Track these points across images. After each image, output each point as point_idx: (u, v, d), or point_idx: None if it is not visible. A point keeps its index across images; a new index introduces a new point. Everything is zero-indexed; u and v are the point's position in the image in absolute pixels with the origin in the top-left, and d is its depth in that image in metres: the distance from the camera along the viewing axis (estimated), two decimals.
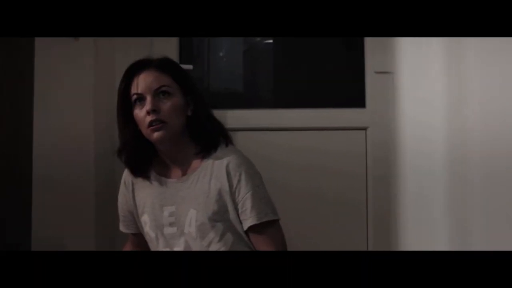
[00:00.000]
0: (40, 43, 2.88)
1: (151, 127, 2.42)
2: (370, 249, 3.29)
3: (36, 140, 2.90)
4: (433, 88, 2.83)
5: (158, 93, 2.43)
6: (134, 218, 2.64)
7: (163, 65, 2.48)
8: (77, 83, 3.05)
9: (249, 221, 2.44)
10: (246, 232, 2.47)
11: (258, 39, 3.60)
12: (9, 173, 2.62)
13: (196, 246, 2.46)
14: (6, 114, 2.55)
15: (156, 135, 2.42)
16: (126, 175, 2.63)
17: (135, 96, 2.46)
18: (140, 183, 2.58)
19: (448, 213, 2.79)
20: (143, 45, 3.18)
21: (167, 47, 3.14)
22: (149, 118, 2.41)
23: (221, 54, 3.64)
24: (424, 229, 2.83)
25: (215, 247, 2.45)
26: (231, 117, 3.14)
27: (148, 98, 2.42)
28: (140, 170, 2.56)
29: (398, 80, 3.15)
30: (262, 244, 2.47)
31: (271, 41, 3.58)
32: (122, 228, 2.71)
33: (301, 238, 2.98)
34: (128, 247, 2.77)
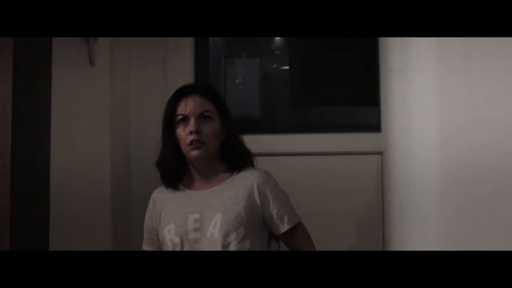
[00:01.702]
0: (57, 46, 2.95)
1: (191, 145, 2.70)
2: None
3: (54, 142, 2.95)
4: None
5: (201, 117, 2.71)
6: (157, 235, 2.81)
7: (206, 92, 2.78)
8: (93, 86, 3.11)
9: (286, 225, 2.71)
10: (280, 235, 2.73)
11: (274, 65, 3.67)
12: (28, 174, 2.65)
13: (217, 246, 2.63)
14: (24, 117, 2.60)
15: (194, 153, 2.71)
16: (156, 195, 2.85)
17: (180, 116, 2.74)
18: (168, 198, 2.80)
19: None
20: (156, 62, 3.29)
21: (181, 73, 3.23)
22: (190, 138, 2.70)
23: (237, 81, 3.71)
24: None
25: (233, 247, 2.63)
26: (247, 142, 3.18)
27: (192, 120, 2.70)
28: (172, 181, 2.81)
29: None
30: (298, 241, 2.75)
31: (287, 67, 3.65)
32: (144, 246, 2.88)
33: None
34: None
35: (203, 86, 2.82)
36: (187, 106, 2.72)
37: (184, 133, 2.72)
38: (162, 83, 3.36)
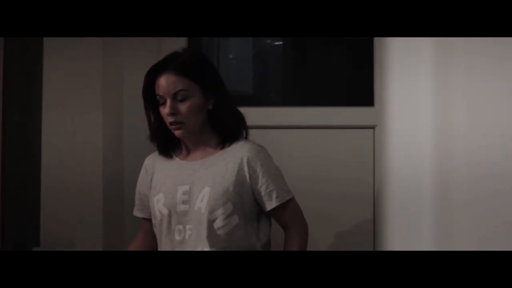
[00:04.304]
0: (49, 44, 2.91)
1: (172, 126, 2.68)
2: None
3: (45, 141, 2.94)
4: (421, 96, 2.79)
5: (176, 96, 2.64)
6: (149, 202, 2.81)
7: (181, 69, 2.66)
8: (85, 85, 3.08)
9: (274, 202, 2.69)
10: (269, 212, 2.72)
11: (268, 40, 3.60)
12: (18, 173, 2.64)
13: (203, 221, 2.64)
14: (15, 114, 2.57)
15: (176, 133, 2.69)
16: (148, 162, 2.85)
17: (158, 96, 2.69)
18: (159, 166, 2.80)
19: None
20: (151, 46, 3.22)
21: (175, 48, 3.14)
22: (169, 119, 2.67)
23: (230, 56, 3.66)
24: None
25: (219, 223, 2.65)
26: None
27: (168, 101, 2.65)
28: (167, 151, 2.81)
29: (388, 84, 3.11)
30: (288, 218, 2.76)
31: (281, 42, 3.58)
32: (136, 212, 2.90)
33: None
34: (140, 235, 2.93)
35: (178, 61, 2.70)
36: (160, 87, 2.66)
37: (164, 113, 2.68)
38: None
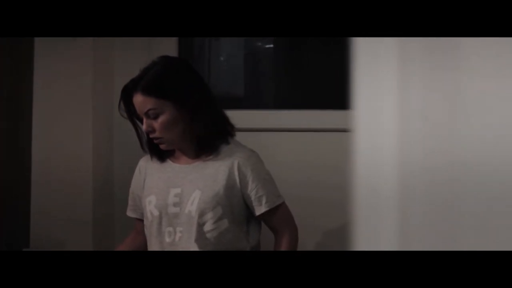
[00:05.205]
0: (39, 44, 2.91)
1: (154, 141, 2.68)
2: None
3: (35, 142, 2.93)
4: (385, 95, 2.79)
5: (148, 115, 2.62)
6: (141, 203, 2.81)
7: (147, 88, 2.62)
8: (75, 85, 3.09)
9: (263, 207, 2.69)
10: (259, 216, 2.72)
11: (259, 43, 3.60)
12: (8, 174, 2.63)
13: (193, 224, 2.65)
14: (5, 115, 2.57)
15: (161, 146, 2.70)
16: (142, 162, 2.85)
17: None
18: (153, 168, 2.80)
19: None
20: (142, 46, 3.22)
21: (166, 51, 3.13)
22: (149, 134, 2.68)
23: (222, 58, 3.66)
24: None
25: (209, 227, 2.66)
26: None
27: (144, 119, 2.65)
28: (159, 156, 2.78)
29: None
30: (277, 223, 2.76)
31: (272, 45, 3.59)
32: (129, 213, 2.90)
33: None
34: (132, 234, 2.92)
35: (144, 80, 2.64)
36: (135, 106, 2.65)
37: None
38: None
